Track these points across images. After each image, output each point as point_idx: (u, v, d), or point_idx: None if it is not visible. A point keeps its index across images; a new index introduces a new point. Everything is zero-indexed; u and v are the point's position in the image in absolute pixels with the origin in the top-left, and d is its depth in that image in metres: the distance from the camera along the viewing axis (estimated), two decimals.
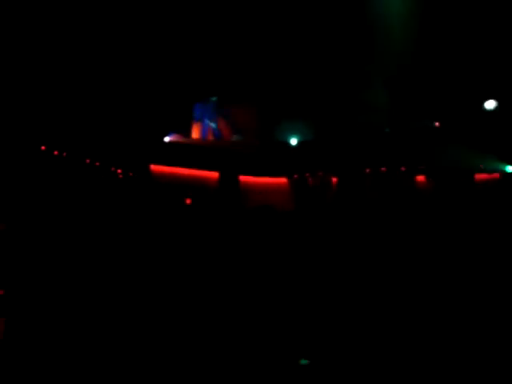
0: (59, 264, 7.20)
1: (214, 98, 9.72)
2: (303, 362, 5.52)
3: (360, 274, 7.19)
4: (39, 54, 8.36)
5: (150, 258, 7.90)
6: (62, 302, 6.74)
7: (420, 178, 9.33)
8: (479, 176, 9.30)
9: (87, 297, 6.89)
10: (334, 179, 9.29)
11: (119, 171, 8.72)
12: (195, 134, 9.82)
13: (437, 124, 9.56)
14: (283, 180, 9.40)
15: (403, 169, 9.10)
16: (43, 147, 8.04)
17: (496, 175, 9.23)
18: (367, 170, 9.09)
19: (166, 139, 9.52)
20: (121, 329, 6.21)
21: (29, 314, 6.47)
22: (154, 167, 9.11)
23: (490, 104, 9.42)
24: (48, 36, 8.38)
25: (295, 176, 9.41)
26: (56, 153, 8.11)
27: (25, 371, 5.79)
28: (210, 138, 9.83)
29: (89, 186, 8.32)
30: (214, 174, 9.38)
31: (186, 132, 9.78)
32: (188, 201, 9.07)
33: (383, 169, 9.07)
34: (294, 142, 9.53)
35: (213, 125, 9.71)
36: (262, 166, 9.33)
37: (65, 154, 8.15)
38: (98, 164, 8.49)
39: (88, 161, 8.36)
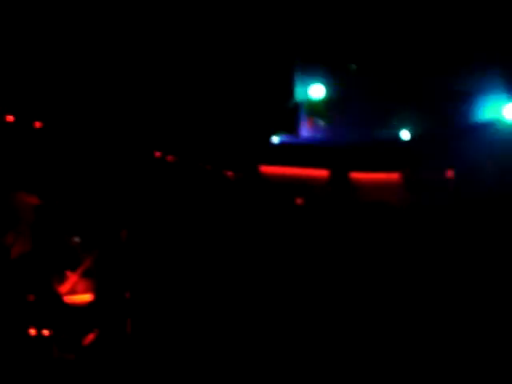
0: (178, 266, 7.30)
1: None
2: None
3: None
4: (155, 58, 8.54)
5: (265, 259, 7.89)
6: (185, 302, 6.84)
7: None
8: None
9: (208, 297, 6.96)
10: (449, 174, 8.99)
11: (230, 173, 8.75)
12: (303, 131, 9.72)
13: None
14: (395, 175, 9.17)
15: None
16: (158, 153, 8.18)
17: None
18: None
19: (274, 139, 9.47)
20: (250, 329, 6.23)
21: (154, 314, 6.60)
22: (263, 168, 9.09)
23: None
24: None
25: (408, 171, 9.15)
26: (171, 158, 8.24)
27: (152, 372, 5.89)
28: (318, 135, 9.70)
29: (202, 188, 8.41)
30: (324, 172, 9.26)
31: (294, 130, 9.69)
32: (299, 200, 8.98)
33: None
34: (406, 135, 9.28)
35: (321, 122, 9.57)
36: (373, 162, 9.13)
37: (178, 159, 8.27)
38: (209, 167, 8.56)
39: (200, 164, 8.45)
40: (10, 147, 7.83)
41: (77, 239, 7.49)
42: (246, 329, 6.62)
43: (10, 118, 7.90)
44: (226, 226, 8.14)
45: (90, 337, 6.14)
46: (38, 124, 8.01)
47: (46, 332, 6.02)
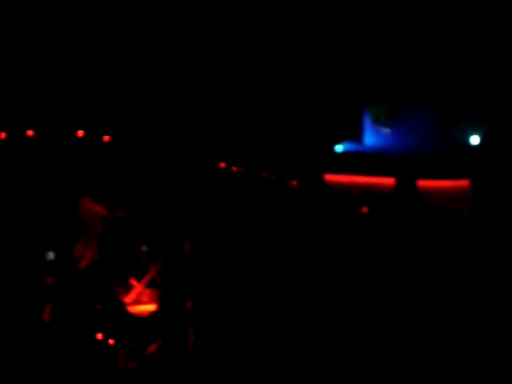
0: (241, 276, 7.31)
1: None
2: None
3: None
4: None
5: (332, 267, 7.81)
6: (247, 312, 6.84)
7: None
8: None
9: (270, 308, 6.94)
10: None
11: (294, 183, 8.71)
12: (367, 139, 9.60)
13: None
14: (465, 183, 8.92)
15: None
16: (223, 164, 8.25)
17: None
18: None
19: (338, 148, 9.39)
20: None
21: (216, 324, 6.62)
22: (327, 176, 9.02)
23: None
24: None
25: (478, 178, 8.88)
26: (235, 169, 8.29)
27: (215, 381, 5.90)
28: (383, 142, 9.56)
29: (266, 198, 8.42)
30: (390, 181, 9.10)
31: (358, 138, 9.59)
32: (364, 209, 8.86)
33: None
34: (475, 140, 9.02)
35: (385, 129, 9.43)
36: (441, 169, 8.92)
37: (243, 169, 8.31)
38: (273, 177, 8.56)
39: (264, 175, 8.46)
40: (78, 159, 8.07)
41: (144, 248, 7.63)
42: (317, 345, 6.55)
43: (80, 133, 8.14)
44: (291, 235, 8.12)
45: (153, 347, 6.21)
46: (106, 138, 8.21)
47: (111, 341, 6.13)
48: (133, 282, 7.16)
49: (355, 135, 9.47)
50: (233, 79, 8.89)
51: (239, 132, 8.72)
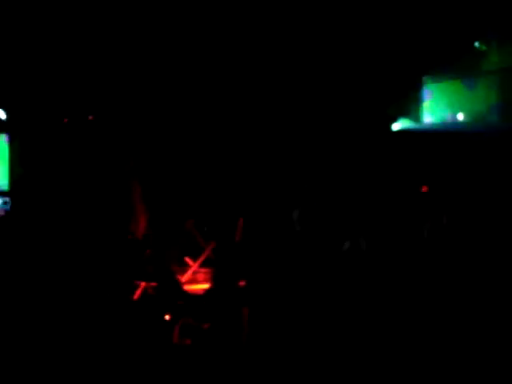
0: (296, 256, 7.34)
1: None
2: None
3: None
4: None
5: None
6: (301, 293, 6.87)
7: None
8: None
9: (326, 290, 6.94)
10: None
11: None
12: (426, 117, 9.41)
13: None
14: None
15: None
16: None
17: None
18: None
19: (395, 126, 9.26)
20: None
21: (270, 304, 6.68)
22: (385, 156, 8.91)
23: None
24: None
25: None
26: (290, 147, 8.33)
27: (267, 361, 5.97)
28: (442, 121, 9.36)
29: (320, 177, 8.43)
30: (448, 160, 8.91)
31: (416, 115, 9.41)
32: (424, 189, 8.75)
33: None
34: None
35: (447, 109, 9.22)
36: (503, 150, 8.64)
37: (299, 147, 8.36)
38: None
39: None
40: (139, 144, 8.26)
41: (204, 228, 7.82)
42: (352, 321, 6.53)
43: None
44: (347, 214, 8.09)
45: (208, 324, 6.36)
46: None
47: (167, 317, 6.32)
48: (189, 261, 7.36)
49: (412, 111, 9.30)
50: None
51: (298, 110, 8.70)
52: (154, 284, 6.78)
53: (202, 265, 7.26)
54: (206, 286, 6.82)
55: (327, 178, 8.56)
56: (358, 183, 8.57)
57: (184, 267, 7.28)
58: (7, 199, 8.52)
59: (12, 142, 8.88)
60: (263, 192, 7.91)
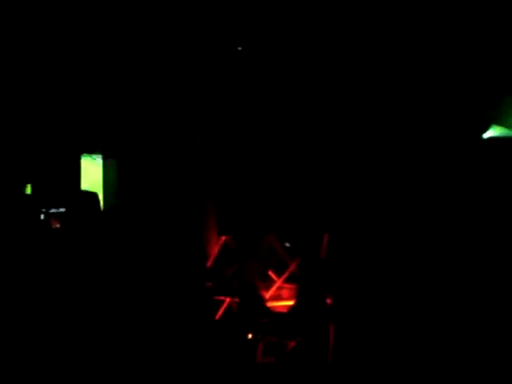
0: (383, 272, 7.07)
1: None
2: None
3: None
4: None
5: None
6: (391, 311, 6.62)
7: None
8: None
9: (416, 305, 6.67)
10: None
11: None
12: None
13: None
14: None
15: None
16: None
17: None
18: None
19: (487, 134, 8.82)
20: None
21: (358, 323, 6.48)
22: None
23: None
24: None
25: None
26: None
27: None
28: None
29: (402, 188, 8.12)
30: None
31: (510, 122, 8.94)
32: None
33: None
34: None
35: None
36: None
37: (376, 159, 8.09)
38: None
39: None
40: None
41: (287, 244, 7.63)
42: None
43: None
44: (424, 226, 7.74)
45: (293, 343, 6.18)
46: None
47: (250, 336, 6.19)
48: (273, 275, 7.18)
49: (507, 119, 8.82)
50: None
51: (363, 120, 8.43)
52: (237, 300, 6.67)
53: (287, 280, 7.07)
54: (290, 302, 6.63)
55: (415, 189, 8.25)
56: (445, 191, 8.23)
57: (267, 283, 7.10)
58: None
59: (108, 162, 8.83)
60: (351, 204, 7.64)
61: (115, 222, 8.25)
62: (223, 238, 7.15)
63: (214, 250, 7.05)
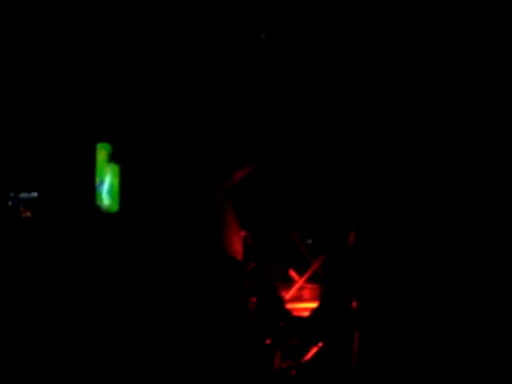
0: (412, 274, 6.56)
1: None
2: None
3: None
4: None
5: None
6: (416, 316, 6.15)
7: None
8: None
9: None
10: None
11: None
12: None
13: None
14: None
15: None
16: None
17: None
18: None
19: None
20: None
21: (384, 328, 6.04)
22: None
23: None
24: None
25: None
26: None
27: None
28: None
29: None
30: None
31: None
32: None
33: None
34: None
35: None
36: None
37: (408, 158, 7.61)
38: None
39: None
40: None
41: (309, 241, 7.16)
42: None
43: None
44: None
45: (314, 349, 5.70)
46: None
47: (268, 341, 5.72)
48: (294, 275, 6.70)
49: None
50: None
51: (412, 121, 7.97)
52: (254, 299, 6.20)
53: (309, 280, 6.58)
54: (312, 304, 6.14)
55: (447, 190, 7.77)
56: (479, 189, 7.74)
57: (288, 283, 6.62)
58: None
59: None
60: (379, 200, 7.14)
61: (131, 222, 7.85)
62: (243, 233, 6.67)
63: (237, 245, 6.55)
